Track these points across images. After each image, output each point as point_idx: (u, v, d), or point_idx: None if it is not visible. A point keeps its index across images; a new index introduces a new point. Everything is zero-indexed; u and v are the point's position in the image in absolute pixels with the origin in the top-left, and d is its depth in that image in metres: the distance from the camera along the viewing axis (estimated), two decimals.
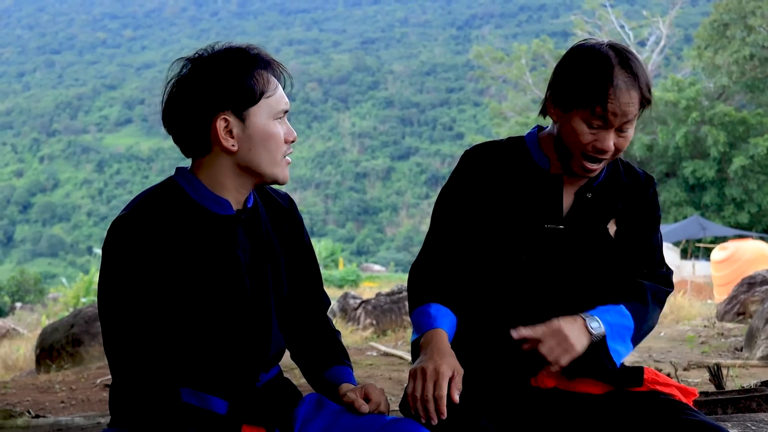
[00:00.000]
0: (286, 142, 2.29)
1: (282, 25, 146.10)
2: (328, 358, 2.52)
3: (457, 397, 2.22)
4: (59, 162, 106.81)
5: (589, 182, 2.53)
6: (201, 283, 2.23)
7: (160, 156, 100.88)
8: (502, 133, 44.53)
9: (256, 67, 2.24)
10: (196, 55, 2.26)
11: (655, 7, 60.07)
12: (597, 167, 2.43)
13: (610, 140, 2.37)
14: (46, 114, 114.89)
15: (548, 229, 2.50)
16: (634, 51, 2.41)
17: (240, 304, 2.29)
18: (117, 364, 2.18)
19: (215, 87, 2.20)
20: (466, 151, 2.64)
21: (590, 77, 2.34)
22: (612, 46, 2.39)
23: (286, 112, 2.30)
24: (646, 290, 2.52)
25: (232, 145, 2.23)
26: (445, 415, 2.21)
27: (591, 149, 2.39)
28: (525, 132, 2.68)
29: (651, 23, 49.25)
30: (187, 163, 2.35)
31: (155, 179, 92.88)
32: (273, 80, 2.27)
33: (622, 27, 49.45)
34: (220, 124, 2.21)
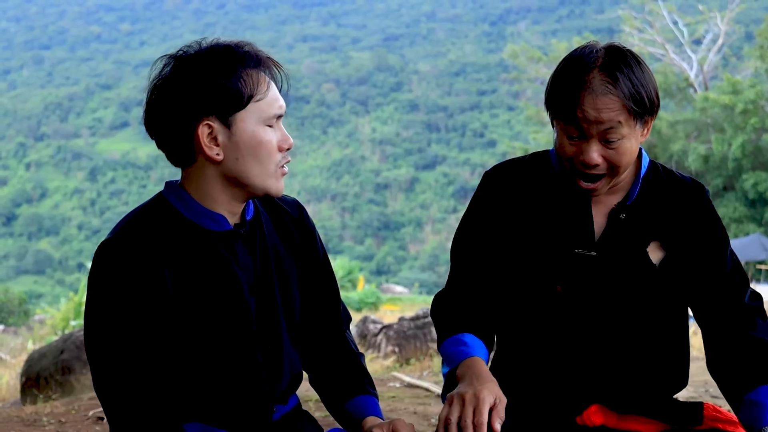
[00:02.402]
0: (280, 150, 2.26)
1: (296, 20, 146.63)
2: (350, 387, 2.50)
3: (498, 427, 2.19)
4: (47, 169, 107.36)
5: (622, 201, 2.51)
6: (199, 309, 2.23)
7: (159, 163, 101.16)
8: (540, 139, 44.48)
9: (244, 66, 2.21)
10: (180, 52, 2.24)
11: (713, 1, 59.95)
12: (594, 186, 2.42)
13: (592, 152, 2.36)
14: (33, 116, 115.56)
15: (580, 256, 2.49)
16: (634, 53, 2.39)
17: (244, 328, 2.28)
18: (111, 406, 2.18)
19: (198, 89, 2.18)
20: (486, 173, 2.65)
21: (563, 82, 2.37)
22: (608, 48, 2.38)
23: (280, 116, 2.27)
24: None
25: (217, 154, 2.21)
26: None
27: (577, 163, 2.40)
28: None
29: (708, 19, 49.10)
30: (178, 174, 2.33)
31: (154, 189, 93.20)
32: (265, 81, 2.24)
33: (675, 23, 49.32)
34: (203, 131, 2.19)
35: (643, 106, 2.34)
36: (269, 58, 2.27)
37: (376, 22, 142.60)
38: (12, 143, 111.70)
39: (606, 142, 2.35)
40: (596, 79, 2.32)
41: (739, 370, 2.46)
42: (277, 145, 2.25)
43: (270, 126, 2.24)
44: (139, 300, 2.16)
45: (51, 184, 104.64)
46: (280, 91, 2.29)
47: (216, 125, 2.20)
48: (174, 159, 2.28)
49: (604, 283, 2.49)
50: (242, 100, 2.20)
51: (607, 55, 2.35)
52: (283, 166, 2.28)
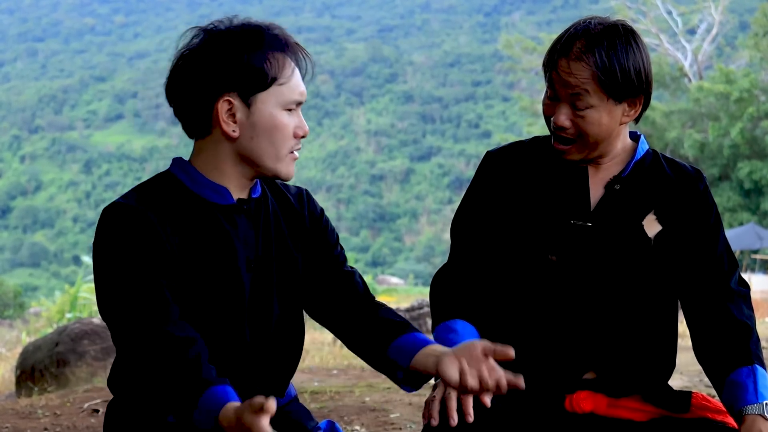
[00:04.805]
0: (295, 136, 2.29)
1: (290, 11, 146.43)
2: (384, 338, 2.38)
3: (488, 400, 2.19)
4: (42, 162, 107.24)
5: (618, 174, 2.55)
6: (196, 277, 2.24)
7: (154, 155, 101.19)
8: (534, 131, 44.50)
9: (272, 48, 2.24)
10: (211, 26, 2.28)
11: None
12: (564, 148, 2.49)
13: (561, 114, 2.45)
14: (27, 108, 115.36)
15: (575, 227, 2.52)
16: (634, 37, 2.45)
17: (236, 303, 2.29)
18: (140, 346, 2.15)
19: (223, 64, 2.21)
20: (488, 152, 2.70)
21: (553, 45, 2.48)
22: (608, 25, 2.44)
23: (300, 103, 2.29)
24: (752, 330, 2.53)
25: (233, 131, 2.24)
26: (471, 417, 2.16)
27: (553, 125, 2.48)
28: None
29: (702, 8, 49.03)
30: (184, 154, 2.35)
31: None
32: (290, 66, 2.27)
33: (669, 13, 49.27)
34: (223, 106, 2.22)
35: (615, 83, 2.40)
36: (297, 44, 2.30)
37: (371, 13, 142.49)
38: (6, 136, 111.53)
39: (575, 108, 2.43)
40: (576, 46, 2.41)
41: (722, 352, 2.50)
42: (293, 130, 2.28)
43: (289, 110, 2.27)
44: (144, 253, 2.18)
45: (46, 177, 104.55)
46: (303, 79, 2.31)
47: (236, 102, 2.23)
48: (189, 129, 2.31)
49: (598, 253, 2.52)
50: (265, 81, 2.23)
51: (602, 30, 2.42)
52: (293, 152, 2.30)
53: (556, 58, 2.43)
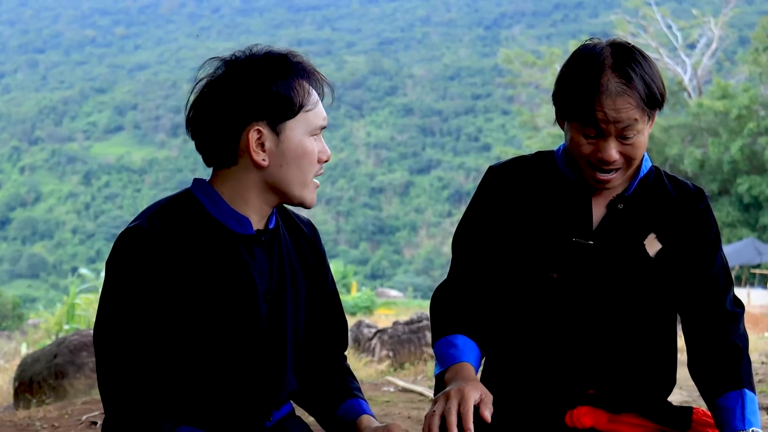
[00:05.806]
0: (319, 161, 2.31)
1: (290, 24, 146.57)
2: (339, 395, 2.52)
3: (488, 415, 2.22)
4: (42, 173, 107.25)
5: (621, 193, 2.55)
6: (213, 307, 2.25)
7: (153, 167, 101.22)
8: (533, 145, 44.51)
9: (297, 76, 2.26)
10: (232, 57, 2.28)
11: (707, 5, 60.03)
12: (610, 177, 2.46)
13: (611, 149, 2.41)
14: (27, 120, 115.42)
15: (577, 245, 2.52)
16: (638, 49, 2.45)
17: (254, 333, 2.30)
18: (109, 394, 2.19)
19: (251, 94, 2.22)
20: (491, 167, 2.69)
21: (578, 86, 2.40)
22: (613, 46, 2.43)
23: (323, 128, 2.32)
24: (744, 352, 2.53)
25: (263, 160, 2.24)
26: None
27: (594, 161, 2.44)
28: (558, 144, 2.71)
29: (702, 23, 49.13)
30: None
31: (148, 193, 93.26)
32: (313, 93, 2.30)
33: (669, 27, 49.34)
34: (252, 136, 2.23)
35: (656, 101, 2.41)
36: (317, 70, 2.33)
37: (371, 26, 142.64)
38: (6, 147, 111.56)
39: (622, 138, 2.40)
40: (611, 81, 2.36)
41: (713, 374, 2.50)
42: (317, 156, 2.30)
43: (314, 136, 2.29)
44: (156, 292, 2.18)
45: (45, 188, 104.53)
46: (323, 104, 2.34)
47: (265, 131, 2.23)
48: (212, 159, 2.31)
49: (599, 271, 2.51)
50: (293, 109, 2.24)
51: (615, 55, 2.40)
52: (315, 178, 2.32)
53: (596, 100, 2.36)
